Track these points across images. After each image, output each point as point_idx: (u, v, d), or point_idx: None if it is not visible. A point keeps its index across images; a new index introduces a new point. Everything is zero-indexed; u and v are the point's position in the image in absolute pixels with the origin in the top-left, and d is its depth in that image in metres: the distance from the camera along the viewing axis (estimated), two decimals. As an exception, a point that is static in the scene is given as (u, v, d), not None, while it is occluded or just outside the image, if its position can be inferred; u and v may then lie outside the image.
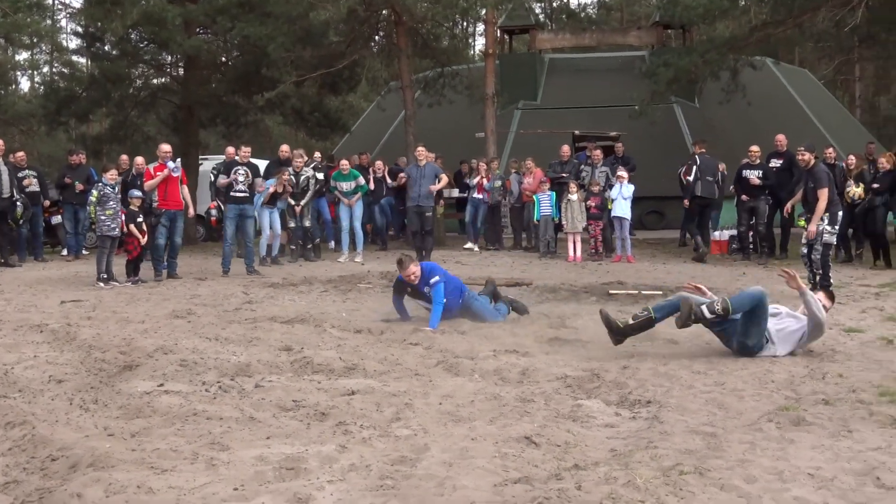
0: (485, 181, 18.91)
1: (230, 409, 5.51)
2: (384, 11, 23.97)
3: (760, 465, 4.27)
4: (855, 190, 14.64)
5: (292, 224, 16.71)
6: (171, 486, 4.01)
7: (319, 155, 20.13)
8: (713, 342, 7.83)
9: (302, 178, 16.79)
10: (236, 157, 15.22)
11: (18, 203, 15.94)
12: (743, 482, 4.03)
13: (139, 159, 15.93)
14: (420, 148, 17.06)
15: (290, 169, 16.78)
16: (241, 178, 14.66)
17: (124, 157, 16.80)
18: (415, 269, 9.27)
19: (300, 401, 5.74)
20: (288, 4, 21.60)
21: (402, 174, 17.99)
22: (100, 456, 4.41)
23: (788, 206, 13.34)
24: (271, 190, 15.87)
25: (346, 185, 16.89)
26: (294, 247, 16.95)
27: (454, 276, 10.01)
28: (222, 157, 16.38)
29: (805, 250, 11.64)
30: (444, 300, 9.08)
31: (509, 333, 8.49)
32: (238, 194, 14.69)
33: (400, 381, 6.45)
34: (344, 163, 17.37)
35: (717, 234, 18.17)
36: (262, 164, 19.67)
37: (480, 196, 19.04)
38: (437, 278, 9.21)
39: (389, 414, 5.44)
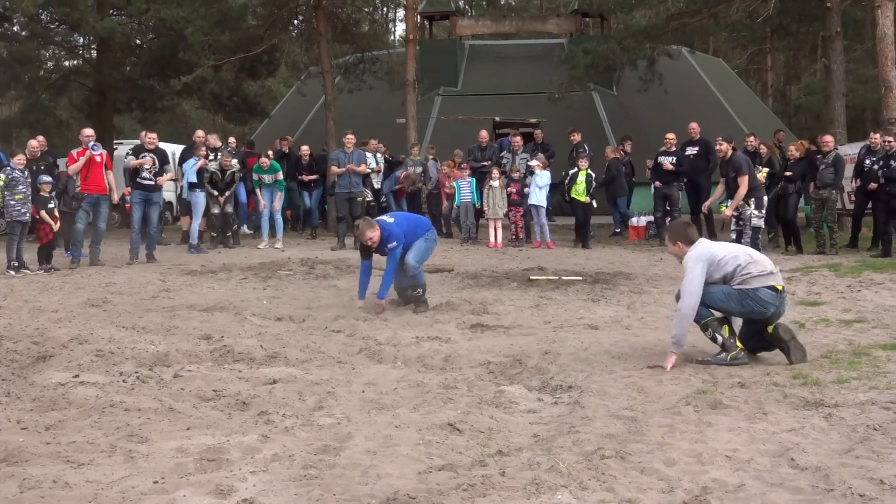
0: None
1: (148, 399, 5.42)
2: (302, -5, 23.80)
3: (679, 448, 4.35)
4: (761, 176, 14.99)
5: (215, 210, 16.47)
6: (88, 481, 3.94)
7: (234, 140, 19.88)
8: (632, 327, 7.95)
9: (228, 173, 16.56)
10: (143, 143, 15.01)
11: None
12: (663, 465, 4.10)
13: (32, 142, 15.39)
14: (349, 135, 17.02)
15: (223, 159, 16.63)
16: (146, 166, 14.42)
17: (37, 140, 16.28)
18: (371, 234, 8.98)
19: (221, 390, 5.67)
20: (204, -13, 21.29)
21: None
22: (13, 450, 4.32)
23: (706, 205, 13.69)
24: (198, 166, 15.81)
25: (267, 178, 16.81)
26: (214, 234, 16.73)
27: (421, 217, 10.28)
28: (137, 142, 16.07)
29: (734, 235, 11.92)
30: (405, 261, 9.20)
31: (431, 320, 8.50)
32: (144, 181, 14.44)
33: (322, 369, 6.42)
34: (264, 160, 17.19)
35: (634, 220, 18.48)
36: (178, 149, 19.41)
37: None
38: (394, 244, 9.05)
39: (312, 403, 5.41)
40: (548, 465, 3.99)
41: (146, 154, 14.52)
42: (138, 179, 14.46)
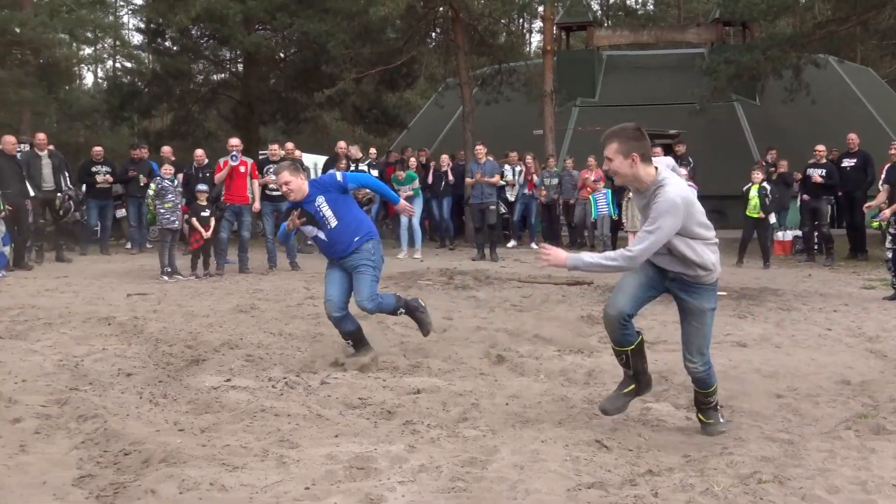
0: (535, 177, 18.80)
1: (297, 405, 5.51)
2: (441, 8, 23.93)
3: (842, 475, 4.14)
4: None
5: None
6: (243, 484, 4.00)
7: (374, 151, 20.13)
8: (782, 345, 7.68)
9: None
10: (268, 156, 15.49)
11: (60, 195, 16.03)
12: (825, 492, 3.90)
13: (199, 152, 16.14)
14: (479, 146, 17.10)
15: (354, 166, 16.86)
16: (273, 177, 14.76)
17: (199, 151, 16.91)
18: (290, 178, 7.10)
19: (366, 399, 5.72)
20: (347, 1, 21.65)
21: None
22: (171, 451, 4.43)
23: (872, 203, 13.04)
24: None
25: (405, 190, 16.96)
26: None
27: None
28: (282, 153, 16.48)
29: (890, 255, 11.22)
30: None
31: (574, 334, 8.39)
32: (271, 193, 14.79)
33: (465, 380, 6.40)
34: (400, 173, 17.38)
35: (780, 235, 17.86)
36: (320, 160, 19.75)
37: (531, 192, 18.93)
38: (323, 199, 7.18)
39: (456, 414, 5.40)
40: (702, 488, 3.85)
41: (271, 167, 14.89)
42: (266, 191, 14.85)
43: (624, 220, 16.79)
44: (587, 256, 5.05)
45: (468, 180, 16.99)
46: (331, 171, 7.94)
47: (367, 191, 16.53)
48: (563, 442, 4.71)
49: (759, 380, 6.29)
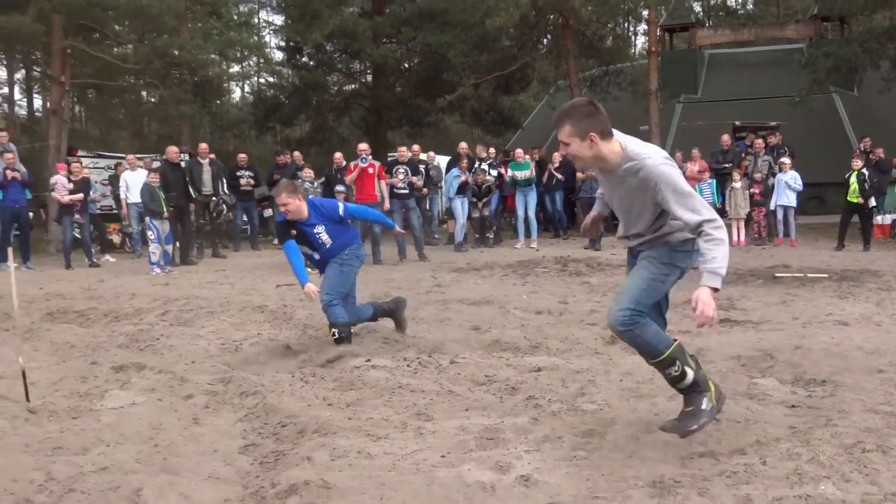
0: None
1: (430, 382, 5.59)
2: (552, 16, 23.81)
3: (945, 447, 4.00)
4: None
5: (475, 214, 16.86)
6: (386, 452, 4.11)
7: (493, 151, 20.16)
8: (883, 324, 7.42)
9: (489, 177, 16.97)
10: (397, 157, 15.79)
11: (214, 198, 16.57)
12: (927, 461, 3.79)
13: (338, 155, 16.52)
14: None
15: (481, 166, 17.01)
16: (401, 177, 15.07)
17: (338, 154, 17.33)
18: (288, 200, 6.89)
19: (492, 376, 5.76)
20: (465, 13, 21.77)
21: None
22: (323, 423, 4.56)
23: None
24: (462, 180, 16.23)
25: (520, 174, 16.95)
26: (478, 235, 17.12)
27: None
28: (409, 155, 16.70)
29: None
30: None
31: (681, 315, 8.27)
32: (399, 191, 15.10)
33: (581, 358, 6.39)
34: (519, 152, 17.43)
35: (879, 219, 17.18)
36: (443, 160, 19.88)
37: None
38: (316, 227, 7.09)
39: (574, 389, 5.39)
40: (808, 457, 3.77)
41: (399, 168, 15.16)
42: (394, 190, 15.16)
43: (728, 208, 16.46)
44: (709, 264, 3.93)
45: (579, 175, 16.88)
46: (333, 202, 7.68)
47: (489, 180, 16.71)
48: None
49: (861, 356, 6.08)
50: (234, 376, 5.86)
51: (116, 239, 19.13)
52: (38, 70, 34.14)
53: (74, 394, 5.57)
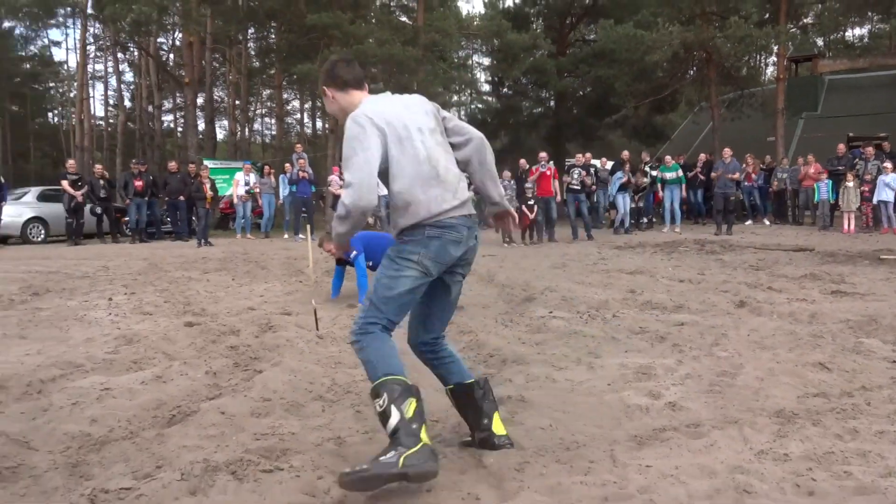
0: (752, 174, 17.52)
1: (597, 330, 5.55)
2: (698, 52, 22.68)
3: None
4: None
5: (632, 205, 16.44)
6: (566, 379, 4.14)
7: (647, 156, 19.52)
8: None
9: (645, 180, 16.54)
10: (574, 162, 15.62)
11: None
12: None
13: (522, 161, 16.51)
14: (726, 149, 16.13)
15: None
16: (575, 177, 14.90)
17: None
18: (329, 247, 6.30)
19: (644, 328, 5.64)
20: (628, 52, 21.13)
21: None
22: (519, 356, 4.65)
23: None
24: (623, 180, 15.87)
25: (669, 175, 16.35)
26: (633, 221, 16.71)
27: (385, 234, 7.15)
28: (583, 160, 16.48)
29: None
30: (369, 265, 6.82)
31: (798, 287, 7.77)
32: (573, 187, 14.95)
33: (716, 317, 6.13)
34: (668, 158, 16.81)
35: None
36: (609, 164, 19.46)
37: (750, 184, 17.73)
38: (354, 253, 6.76)
39: (710, 340, 5.20)
40: (908, 402, 3.51)
41: (574, 169, 15.05)
42: (569, 186, 15.09)
43: (841, 203, 15.20)
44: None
45: (714, 174, 16.07)
46: (389, 238, 6.27)
47: (645, 182, 16.22)
48: (793, 363, 4.42)
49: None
50: (456, 320, 6.00)
51: (371, 220, 20.02)
52: (320, 101, 36.01)
53: (347, 326, 5.90)
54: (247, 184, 16.78)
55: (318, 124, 44.54)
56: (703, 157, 18.38)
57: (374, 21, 25.29)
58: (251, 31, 32.71)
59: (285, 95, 39.39)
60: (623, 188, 15.99)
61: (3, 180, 16.10)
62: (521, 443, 3.06)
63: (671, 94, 24.91)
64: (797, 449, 2.99)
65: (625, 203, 16.06)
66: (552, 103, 30.80)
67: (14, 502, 2.62)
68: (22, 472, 2.86)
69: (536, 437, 3.15)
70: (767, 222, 17.35)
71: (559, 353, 4.77)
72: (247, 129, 38.68)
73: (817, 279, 8.11)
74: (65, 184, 15.63)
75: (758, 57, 41.45)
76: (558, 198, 14.76)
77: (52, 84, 47.05)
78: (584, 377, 4.19)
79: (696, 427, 3.29)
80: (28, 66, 44.36)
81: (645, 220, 17.00)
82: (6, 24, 40.16)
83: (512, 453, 2.97)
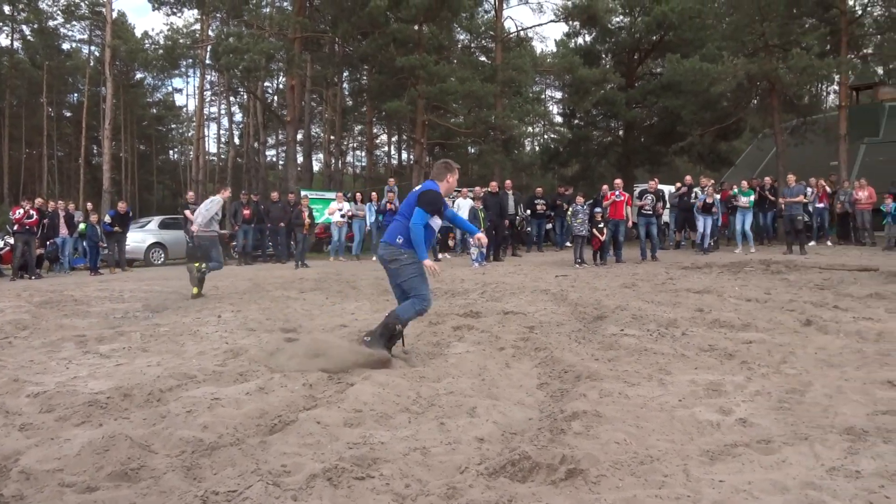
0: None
1: (667, 347, 5.39)
2: (761, 82, 21.89)
3: None
4: None
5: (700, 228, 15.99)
6: (639, 395, 4.04)
7: (712, 181, 18.87)
8: None
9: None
10: (646, 188, 15.26)
11: (518, 216, 16.91)
12: None
13: (605, 187, 16.24)
14: (790, 175, 15.48)
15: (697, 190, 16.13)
16: (648, 202, 14.59)
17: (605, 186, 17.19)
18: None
19: (713, 345, 5.46)
20: (694, 84, 20.62)
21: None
22: (593, 372, 4.55)
23: None
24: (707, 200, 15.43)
25: (744, 200, 15.79)
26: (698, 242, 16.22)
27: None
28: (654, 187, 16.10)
29: None
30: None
31: (864, 306, 7.33)
32: (644, 212, 14.68)
33: (783, 335, 5.86)
34: (744, 183, 16.26)
35: None
36: (672, 188, 19.00)
37: (823, 205, 16.88)
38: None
39: (778, 358, 4.99)
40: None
41: (647, 194, 14.75)
42: (641, 211, 14.83)
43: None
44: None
45: (781, 199, 15.42)
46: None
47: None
48: (861, 381, 4.19)
49: None
50: (530, 336, 5.97)
51: (451, 242, 20.11)
52: (406, 135, 36.67)
53: (430, 343, 5.93)
54: (339, 210, 17.20)
55: (404, 155, 45.32)
56: (767, 180, 17.69)
57: (455, 62, 25.63)
58: (346, 73, 33.72)
59: (375, 130, 40.27)
60: (707, 210, 15.54)
61: (130, 211, 17.06)
62: (597, 456, 3.00)
63: (735, 122, 24.08)
64: (869, 466, 2.82)
65: (706, 225, 15.60)
66: (621, 132, 30.30)
67: (138, 501, 2.74)
68: (143, 474, 2.98)
69: (611, 451, 3.09)
70: (830, 243, 16.52)
71: (631, 370, 4.66)
72: (340, 162, 39.72)
73: (883, 298, 7.67)
74: (187, 213, 16.42)
75: (819, 86, 39.68)
76: (629, 222, 14.48)
77: (173, 125, 49.81)
78: (656, 393, 4.08)
79: (767, 443, 3.15)
80: (154, 110, 47.12)
81: (711, 241, 16.39)
82: (139, 76, 42.81)
83: (587, 466, 2.92)
